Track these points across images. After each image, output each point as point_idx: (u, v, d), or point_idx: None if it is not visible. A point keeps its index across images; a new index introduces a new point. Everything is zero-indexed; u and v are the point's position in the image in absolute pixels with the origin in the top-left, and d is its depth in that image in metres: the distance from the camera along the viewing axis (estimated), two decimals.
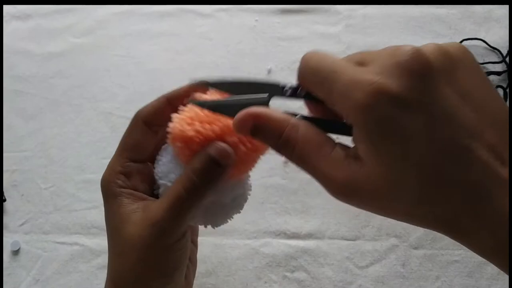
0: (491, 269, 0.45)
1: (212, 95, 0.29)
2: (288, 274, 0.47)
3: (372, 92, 0.20)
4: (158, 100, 0.32)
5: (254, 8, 0.63)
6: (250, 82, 0.27)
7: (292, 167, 0.43)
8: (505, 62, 0.57)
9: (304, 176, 0.32)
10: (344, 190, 0.22)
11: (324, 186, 0.23)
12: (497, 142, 0.20)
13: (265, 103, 0.26)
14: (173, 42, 0.61)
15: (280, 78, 0.57)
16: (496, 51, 0.58)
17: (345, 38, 0.60)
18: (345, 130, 0.24)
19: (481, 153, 0.20)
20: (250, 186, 0.34)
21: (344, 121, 0.24)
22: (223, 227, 0.33)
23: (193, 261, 0.37)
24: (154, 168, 0.32)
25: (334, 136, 0.25)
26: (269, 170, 0.52)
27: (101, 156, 0.54)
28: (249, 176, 0.34)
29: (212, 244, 0.48)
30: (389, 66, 0.20)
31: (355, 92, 0.20)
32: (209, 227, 0.33)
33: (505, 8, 0.60)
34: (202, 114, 0.28)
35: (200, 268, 0.42)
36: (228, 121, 0.27)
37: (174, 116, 0.29)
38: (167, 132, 0.29)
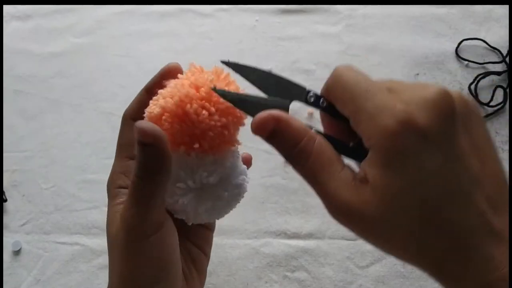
0: None
1: (228, 86, 0.28)
2: (288, 274, 0.47)
3: (403, 121, 0.20)
4: (139, 94, 0.32)
5: (254, 8, 0.63)
6: (277, 77, 0.26)
7: None
8: (505, 62, 0.57)
9: None
10: (344, 211, 0.22)
11: (326, 203, 0.23)
12: (494, 193, 0.21)
13: (286, 108, 0.25)
14: (173, 42, 0.61)
15: None
16: (496, 51, 0.58)
17: (345, 38, 0.60)
18: (350, 153, 0.24)
19: (479, 200, 0.21)
20: (244, 171, 0.31)
21: (351, 144, 0.24)
22: (223, 227, 0.32)
23: (200, 271, 0.35)
24: None
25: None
26: (270, 170, 0.52)
27: (102, 156, 0.54)
28: (238, 153, 0.31)
29: (213, 244, 0.48)
30: (419, 99, 0.21)
31: (385, 117, 0.21)
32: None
33: (505, 8, 0.60)
34: (164, 91, 0.28)
35: None
36: (187, 90, 0.27)
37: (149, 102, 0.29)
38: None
